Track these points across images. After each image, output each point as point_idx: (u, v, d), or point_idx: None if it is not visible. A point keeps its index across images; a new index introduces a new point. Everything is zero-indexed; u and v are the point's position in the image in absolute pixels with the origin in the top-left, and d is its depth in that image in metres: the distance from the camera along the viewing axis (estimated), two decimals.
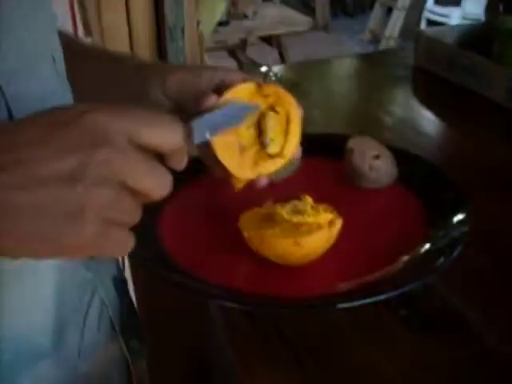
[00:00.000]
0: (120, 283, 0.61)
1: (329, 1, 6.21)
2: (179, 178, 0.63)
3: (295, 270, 0.58)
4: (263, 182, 0.55)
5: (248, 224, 0.59)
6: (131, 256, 0.58)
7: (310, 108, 1.12)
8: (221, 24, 3.90)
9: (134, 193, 0.37)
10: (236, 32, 3.92)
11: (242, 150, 0.52)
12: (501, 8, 1.24)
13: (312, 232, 0.57)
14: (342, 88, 1.28)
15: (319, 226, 0.58)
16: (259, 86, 0.53)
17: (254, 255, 0.58)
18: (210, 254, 0.61)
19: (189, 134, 0.41)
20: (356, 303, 0.52)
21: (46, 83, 0.49)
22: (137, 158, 0.37)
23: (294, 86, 1.19)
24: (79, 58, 0.61)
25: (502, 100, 1.03)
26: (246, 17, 4.10)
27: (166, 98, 0.56)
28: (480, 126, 1.00)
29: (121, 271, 0.63)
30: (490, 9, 1.39)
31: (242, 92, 0.52)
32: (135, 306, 0.65)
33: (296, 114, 0.55)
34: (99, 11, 1.23)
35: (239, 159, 0.52)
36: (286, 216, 0.58)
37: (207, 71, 0.56)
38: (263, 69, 1.12)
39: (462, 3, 4.93)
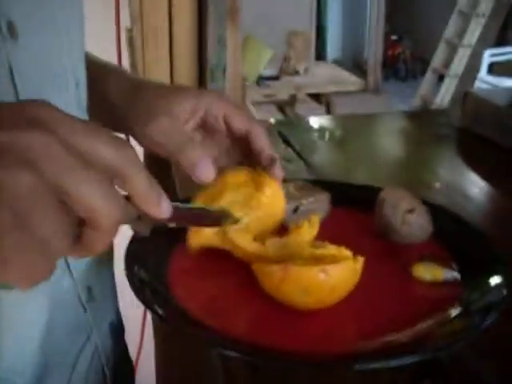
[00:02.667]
0: (117, 329, 0.58)
1: (381, 64, 6.25)
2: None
3: (310, 320, 0.53)
4: None
5: (261, 264, 0.55)
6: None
7: (352, 162, 1.09)
8: (271, 78, 3.95)
9: (69, 206, 0.31)
10: (286, 87, 3.96)
11: None
12: None
13: (338, 261, 0.53)
14: (387, 144, 1.25)
15: (344, 257, 0.54)
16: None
17: (267, 299, 0.54)
18: (218, 300, 0.57)
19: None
20: (375, 365, 0.47)
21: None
22: (82, 167, 0.31)
23: (337, 138, 1.16)
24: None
25: None
26: (297, 73, 4.14)
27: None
28: None
29: (119, 316, 0.60)
30: None
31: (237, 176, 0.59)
32: (129, 354, 0.62)
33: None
34: (143, 47, 1.23)
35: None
36: (307, 250, 0.54)
37: (187, 107, 0.56)
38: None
39: None
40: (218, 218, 0.52)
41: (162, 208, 0.36)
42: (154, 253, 0.61)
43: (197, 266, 0.63)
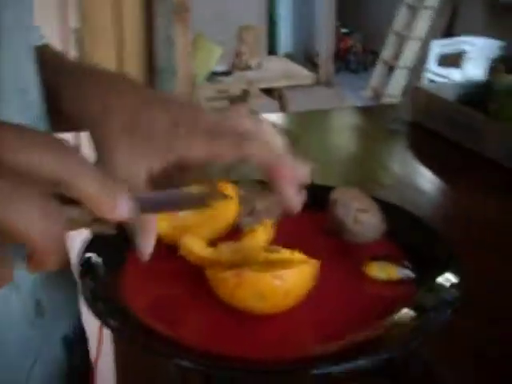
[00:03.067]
0: (73, 341, 0.56)
1: (332, 57, 6.30)
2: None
3: (265, 325, 0.53)
4: None
5: (214, 270, 0.54)
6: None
7: (305, 161, 1.09)
8: (223, 74, 3.93)
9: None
10: (238, 82, 3.95)
11: None
12: (500, 67, 1.22)
13: (293, 266, 0.52)
14: (340, 140, 1.26)
15: (299, 261, 0.54)
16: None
17: (221, 305, 0.53)
18: (171, 307, 0.56)
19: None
20: (333, 369, 0.47)
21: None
22: (8, 185, 0.30)
23: (290, 136, 1.16)
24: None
25: (497, 157, 1.00)
26: (249, 68, 4.14)
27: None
28: (475, 183, 0.97)
29: (78, 327, 0.58)
30: (493, 69, 1.39)
31: None
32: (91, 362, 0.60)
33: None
34: (92, 47, 1.21)
35: None
36: (261, 255, 0.54)
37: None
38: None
39: (463, 65, 4.98)
40: (200, 199, 0.48)
41: (119, 210, 0.33)
42: (107, 260, 0.60)
43: (151, 273, 0.62)
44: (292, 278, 0.51)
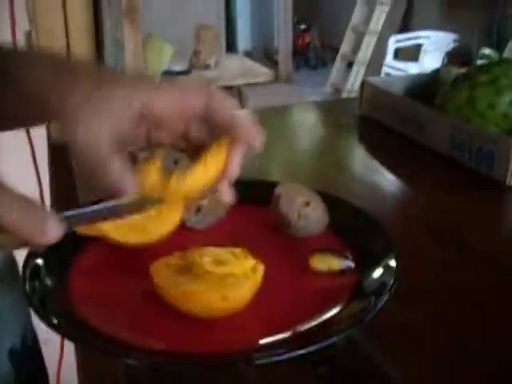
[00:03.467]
0: (22, 352, 0.56)
1: (291, 53, 6.32)
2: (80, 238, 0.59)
3: (210, 324, 0.54)
4: None
5: (161, 276, 0.55)
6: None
7: (260, 157, 1.10)
8: (182, 73, 3.92)
9: None
10: (197, 81, 3.92)
11: None
12: (445, 60, 1.25)
13: (240, 284, 0.53)
14: (294, 136, 1.27)
15: (246, 276, 0.54)
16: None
17: (173, 310, 0.54)
18: (116, 309, 0.57)
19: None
20: (274, 358, 0.48)
21: None
22: None
23: None
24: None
25: (443, 149, 1.02)
26: (208, 67, 4.13)
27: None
28: (424, 176, 0.99)
29: (27, 337, 0.58)
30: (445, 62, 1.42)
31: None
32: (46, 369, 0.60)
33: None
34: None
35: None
36: (208, 267, 0.54)
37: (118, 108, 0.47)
38: None
39: (420, 58, 5.06)
40: (136, 207, 0.50)
41: (47, 233, 0.34)
42: (52, 263, 0.61)
43: (97, 273, 0.62)
44: (239, 296, 0.53)
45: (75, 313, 0.55)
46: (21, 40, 1.68)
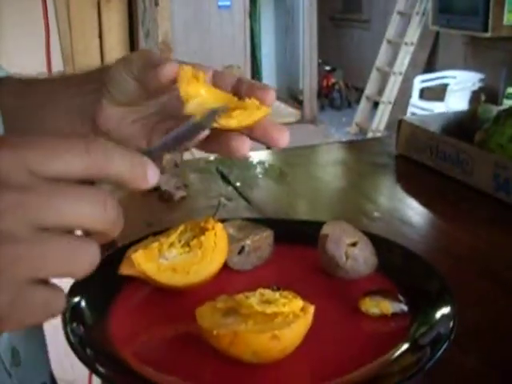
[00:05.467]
0: None
1: (316, 94, 6.36)
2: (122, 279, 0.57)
3: (261, 372, 0.51)
4: None
5: (208, 321, 0.52)
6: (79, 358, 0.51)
7: (293, 196, 1.09)
8: None
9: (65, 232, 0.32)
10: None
11: None
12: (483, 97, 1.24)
13: (290, 323, 0.51)
14: (326, 175, 1.25)
15: (295, 315, 0.52)
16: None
17: (217, 354, 0.52)
18: (158, 352, 0.55)
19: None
20: None
21: None
22: (51, 189, 0.31)
23: (278, 172, 1.16)
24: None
25: (485, 187, 0.99)
26: None
27: (130, 77, 0.50)
28: (465, 214, 0.96)
29: (53, 376, 0.56)
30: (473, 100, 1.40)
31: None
32: None
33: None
34: None
35: None
36: (257, 307, 0.52)
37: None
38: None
39: (446, 98, 5.05)
40: (207, 121, 0.45)
41: (149, 178, 0.35)
42: (93, 304, 0.59)
43: (139, 315, 0.60)
44: (289, 336, 0.50)
45: (116, 355, 0.53)
46: None
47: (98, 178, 0.34)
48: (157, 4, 1.08)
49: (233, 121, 0.46)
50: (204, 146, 0.48)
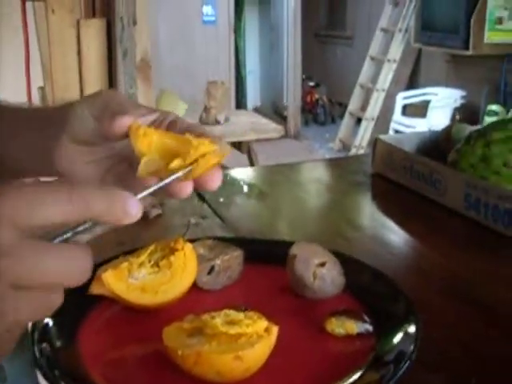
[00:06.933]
0: None
1: (300, 109, 6.39)
2: (91, 298, 0.58)
3: None
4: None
5: (174, 340, 0.53)
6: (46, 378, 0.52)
7: (269, 214, 1.10)
8: None
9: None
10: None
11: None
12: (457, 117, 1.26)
13: (253, 343, 0.51)
14: (304, 193, 1.26)
15: (259, 336, 0.52)
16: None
17: (183, 374, 0.52)
18: (127, 371, 0.55)
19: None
20: None
21: None
22: (33, 253, 0.33)
23: (256, 190, 1.17)
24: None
25: (457, 206, 1.01)
26: (218, 123, 4.17)
27: (92, 117, 0.51)
28: (439, 234, 0.97)
29: None
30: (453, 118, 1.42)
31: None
32: None
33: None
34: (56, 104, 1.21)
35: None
36: (221, 328, 0.53)
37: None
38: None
39: (428, 115, 5.10)
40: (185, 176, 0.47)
41: (131, 215, 0.36)
42: (62, 324, 0.59)
43: (108, 335, 0.61)
44: (252, 356, 0.51)
45: (85, 375, 0.53)
46: (35, 95, 1.71)
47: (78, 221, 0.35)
48: (135, 23, 1.09)
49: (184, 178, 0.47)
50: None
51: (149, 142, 0.47)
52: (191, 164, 0.46)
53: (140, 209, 0.37)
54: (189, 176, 0.47)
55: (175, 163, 0.46)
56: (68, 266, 0.34)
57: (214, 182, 0.49)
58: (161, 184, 0.45)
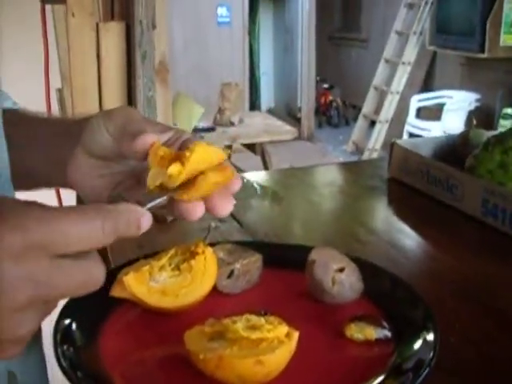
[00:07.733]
0: None
1: (314, 111, 6.39)
2: (113, 301, 0.58)
3: None
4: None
5: (196, 344, 0.54)
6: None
7: (285, 218, 1.10)
8: (207, 130, 3.97)
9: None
10: (221, 138, 3.98)
11: None
12: (474, 122, 1.26)
13: (274, 348, 0.52)
14: (319, 197, 1.26)
15: (280, 341, 0.53)
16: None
17: (204, 377, 0.53)
18: (147, 374, 0.56)
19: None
20: None
21: None
22: (59, 273, 0.37)
23: (272, 194, 1.17)
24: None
25: (474, 212, 1.01)
26: (232, 124, 4.18)
27: (107, 133, 0.52)
28: (454, 239, 0.97)
29: None
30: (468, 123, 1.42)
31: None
32: None
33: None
34: (73, 107, 1.22)
35: None
36: (242, 332, 0.53)
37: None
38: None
39: (442, 118, 5.08)
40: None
41: (142, 229, 0.42)
42: (83, 327, 0.60)
43: (129, 338, 0.61)
44: (273, 361, 0.51)
45: (106, 377, 0.54)
46: (53, 97, 1.73)
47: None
48: (154, 27, 1.10)
49: (186, 195, 0.49)
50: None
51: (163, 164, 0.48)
52: (189, 180, 0.48)
53: (150, 224, 0.42)
54: (191, 193, 0.48)
55: (173, 167, 0.47)
56: (87, 286, 0.39)
57: (224, 208, 0.49)
58: (159, 200, 0.47)
